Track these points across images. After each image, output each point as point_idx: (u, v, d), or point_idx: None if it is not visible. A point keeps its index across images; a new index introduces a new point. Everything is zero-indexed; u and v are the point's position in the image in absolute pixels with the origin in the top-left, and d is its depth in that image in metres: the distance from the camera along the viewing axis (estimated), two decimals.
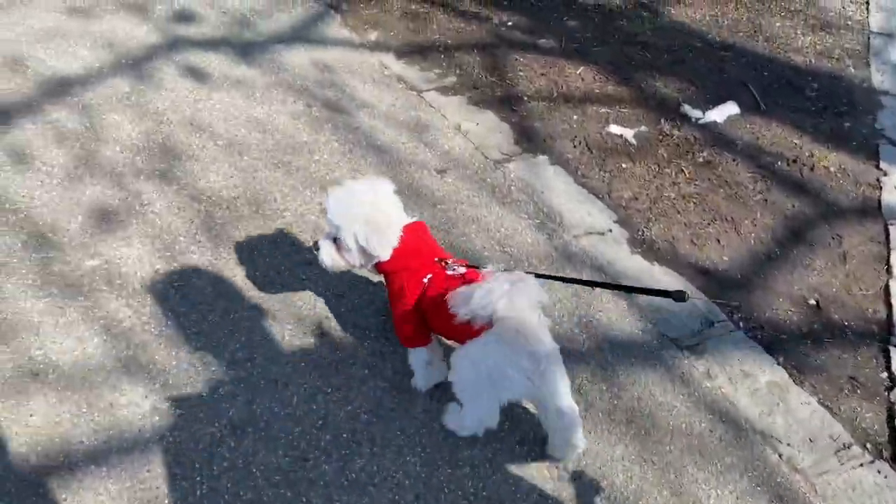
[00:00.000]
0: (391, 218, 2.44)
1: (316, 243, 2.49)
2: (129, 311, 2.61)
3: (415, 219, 2.50)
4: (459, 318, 2.09)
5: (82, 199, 2.96)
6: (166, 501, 2.15)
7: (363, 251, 2.40)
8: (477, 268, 2.42)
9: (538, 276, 2.23)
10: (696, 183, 3.31)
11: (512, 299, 2.03)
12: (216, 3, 4.04)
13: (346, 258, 2.42)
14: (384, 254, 2.38)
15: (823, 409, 2.52)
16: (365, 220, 2.38)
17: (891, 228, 3.15)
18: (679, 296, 2.09)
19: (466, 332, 2.19)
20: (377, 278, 2.73)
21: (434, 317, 2.42)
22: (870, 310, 2.85)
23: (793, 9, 4.38)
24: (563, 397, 2.24)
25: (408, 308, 2.45)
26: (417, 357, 2.58)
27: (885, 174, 3.40)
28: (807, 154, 3.48)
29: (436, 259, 2.47)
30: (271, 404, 2.41)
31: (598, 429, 2.43)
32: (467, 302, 2.06)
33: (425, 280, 2.44)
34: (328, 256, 2.42)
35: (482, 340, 2.15)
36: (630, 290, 2.53)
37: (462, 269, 2.41)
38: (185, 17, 3.91)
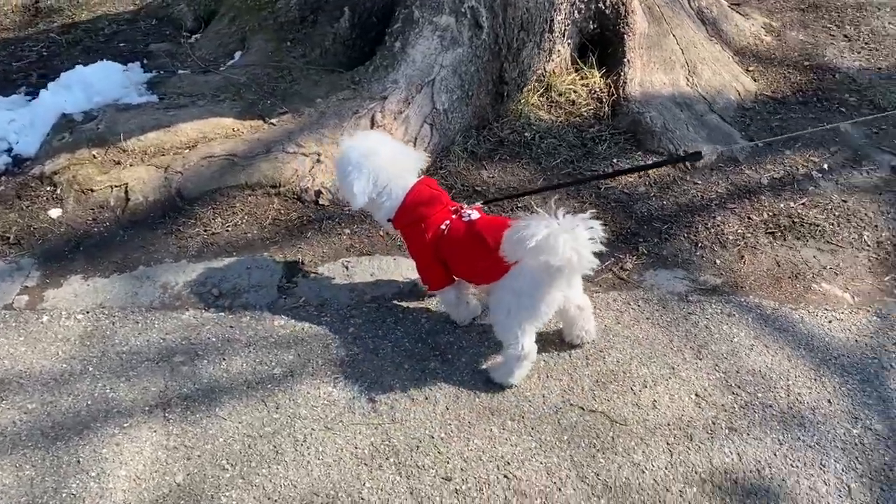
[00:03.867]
0: (405, 167, 2.79)
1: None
2: None
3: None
4: (515, 256, 2.44)
5: None
6: None
7: (375, 196, 2.75)
8: (489, 211, 2.76)
9: (562, 185, 2.57)
10: None
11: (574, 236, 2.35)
12: None
13: (356, 199, 2.72)
14: (395, 199, 2.72)
15: None
16: (382, 164, 2.73)
17: None
18: (695, 157, 2.45)
19: (491, 272, 2.61)
20: None
21: (456, 260, 2.77)
22: None
23: None
24: (581, 295, 2.73)
25: (428, 249, 2.77)
26: (446, 298, 2.96)
27: None
28: None
29: (450, 207, 2.80)
30: None
31: None
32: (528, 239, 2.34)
33: (443, 227, 2.74)
34: (361, 193, 2.70)
35: (519, 271, 2.51)
36: (650, 167, 2.68)
37: (476, 214, 2.79)
38: None
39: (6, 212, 3.49)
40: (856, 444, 2.58)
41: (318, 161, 3.59)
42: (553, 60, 4.30)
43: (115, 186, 3.53)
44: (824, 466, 2.50)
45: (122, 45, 4.77)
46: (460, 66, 3.82)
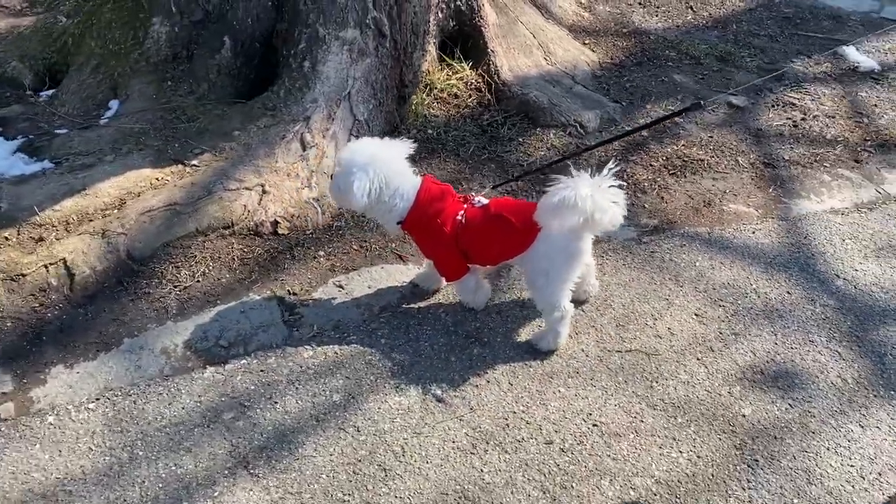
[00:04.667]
0: (406, 166, 2.88)
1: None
2: None
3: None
4: (550, 221, 2.69)
5: None
6: None
7: (387, 199, 2.82)
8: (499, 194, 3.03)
9: (564, 158, 2.87)
10: None
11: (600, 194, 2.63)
12: None
13: (356, 201, 2.77)
14: (408, 200, 2.82)
15: None
16: (389, 167, 2.81)
17: None
18: (696, 107, 2.92)
19: (517, 246, 2.86)
20: None
21: (480, 245, 2.93)
22: None
23: None
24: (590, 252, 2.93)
25: (450, 243, 2.90)
26: (466, 285, 3.11)
27: None
28: None
29: (459, 197, 2.95)
30: None
31: None
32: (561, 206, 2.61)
33: (460, 217, 2.88)
34: (361, 193, 2.74)
35: (547, 236, 2.76)
36: (660, 121, 3.02)
37: (485, 200, 2.96)
38: None
39: None
40: (824, 319, 3.17)
41: (265, 192, 3.50)
42: (427, 60, 4.53)
43: (51, 264, 3.15)
44: (813, 342, 3.06)
45: None
46: (370, 75, 3.92)
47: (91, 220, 3.33)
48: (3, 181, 3.46)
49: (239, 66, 4.10)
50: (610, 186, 2.64)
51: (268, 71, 4.18)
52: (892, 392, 2.84)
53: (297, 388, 2.79)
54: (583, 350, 2.98)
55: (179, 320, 3.06)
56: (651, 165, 4.13)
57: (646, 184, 3.98)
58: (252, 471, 2.49)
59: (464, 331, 3.05)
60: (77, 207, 3.36)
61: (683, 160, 4.18)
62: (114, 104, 4.01)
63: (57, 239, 3.26)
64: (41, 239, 3.26)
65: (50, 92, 4.21)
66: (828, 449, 2.62)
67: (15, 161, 3.58)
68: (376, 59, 3.94)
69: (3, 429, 2.61)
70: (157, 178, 3.53)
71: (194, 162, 3.62)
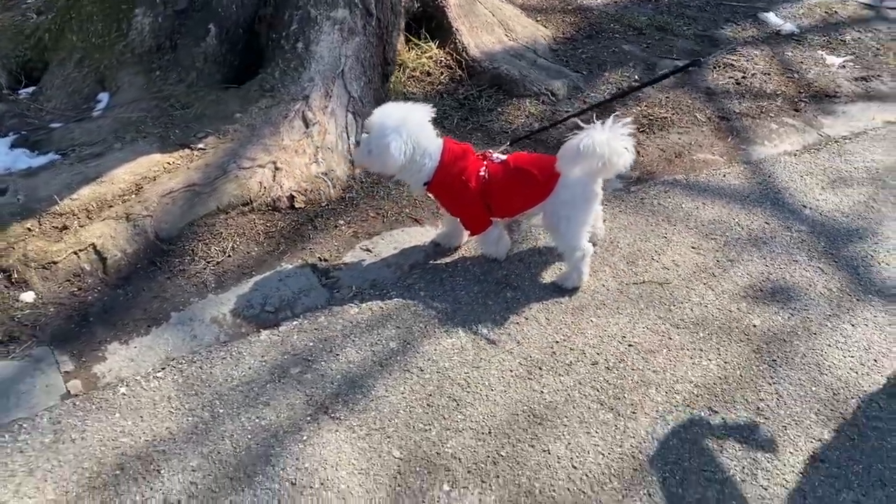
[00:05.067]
0: (431, 129, 3.08)
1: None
2: None
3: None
4: (570, 167, 2.97)
5: None
6: None
7: (418, 158, 3.01)
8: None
9: (572, 116, 3.13)
10: None
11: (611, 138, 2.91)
12: None
13: (392, 161, 2.98)
14: (434, 160, 3.02)
15: None
16: (418, 129, 3.01)
17: None
18: (696, 63, 3.26)
19: (537, 196, 3.11)
20: None
21: (503, 197, 3.15)
22: None
23: None
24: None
25: (475, 198, 3.12)
26: (490, 237, 3.33)
27: None
28: None
29: (478, 154, 3.16)
30: None
31: None
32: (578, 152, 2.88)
33: (482, 173, 3.09)
34: (399, 152, 2.93)
35: (565, 183, 3.05)
36: (661, 78, 3.30)
37: (503, 157, 3.18)
38: None
39: None
40: (801, 242, 3.58)
41: (277, 169, 3.62)
42: (400, 39, 4.72)
43: (80, 250, 3.18)
44: (797, 261, 3.46)
45: None
46: (360, 53, 4.09)
47: (111, 206, 3.37)
48: (12, 175, 3.44)
49: (224, 52, 4.18)
50: (622, 134, 2.94)
51: (251, 57, 4.28)
52: (871, 296, 3.27)
53: (353, 340, 2.95)
54: (603, 285, 3.27)
55: (220, 292, 3.16)
56: (623, 124, 4.47)
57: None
58: (332, 415, 2.65)
59: (493, 278, 3.28)
60: (95, 195, 3.39)
61: (650, 119, 4.55)
62: (103, 96, 4.01)
63: (81, 226, 3.29)
64: (65, 227, 3.28)
65: (30, 89, 4.16)
66: (829, 346, 3.01)
67: (18, 155, 3.55)
68: (364, 38, 4.11)
69: (77, 403, 2.66)
70: (168, 163, 3.59)
71: (200, 145, 3.69)
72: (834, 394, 2.80)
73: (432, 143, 3.03)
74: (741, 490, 2.46)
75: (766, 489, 2.47)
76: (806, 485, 2.48)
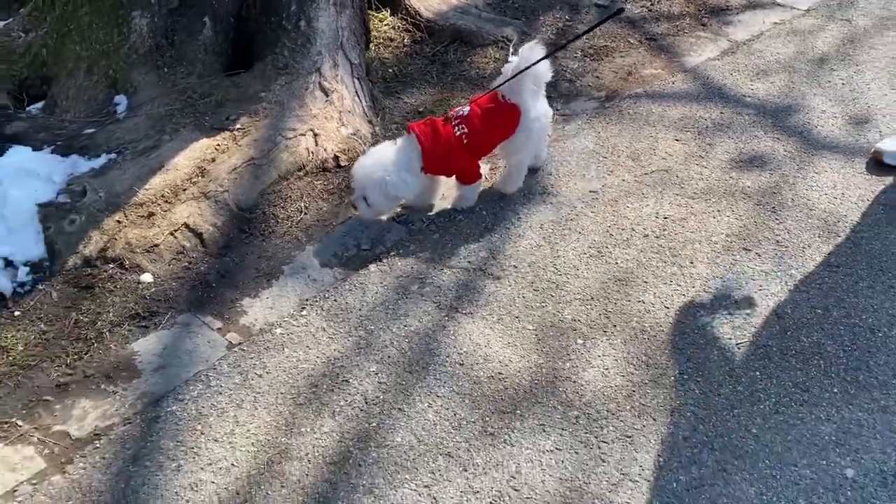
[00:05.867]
0: (390, 159, 3.47)
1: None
2: None
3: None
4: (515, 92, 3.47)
5: None
6: None
7: (389, 199, 3.50)
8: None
9: (544, 58, 3.57)
10: None
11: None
12: None
13: (379, 210, 3.54)
14: (410, 192, 3.51)
15: None
16: (376, 180, 3.44)
17: None
18: (620, 11, 3.98)
19: (508, 130, 3.59)
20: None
21: (482, 142, 3.59)
22: None
23: None
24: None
25: (466, 154, 3.57)
26: (474, 189, 3.78)
27: None
28: None
29: (443, 120, 3.53)
30: None
31: None
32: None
33: (458, 133, 3.48)
34: (366, 211, 3.52)
35: (525, 115, 3.56)
36: (590, 30, 3.83)
37: (467, 108, 3.55)
38: None
39: (102, 304, 3.19)
40: (754, 122, 4.43)
41: (316, 135, 4.01)
42: None
43: (175, 231, 3.47)
44: (757, 136, 4.30)
45: None
46: (351, 24, 4.51)
47: (185, 189, 3.66)
48: (82, 177, 3.63)
49: (220, 42, 4.46)
50: (535, 50, 3.46)
51: (240, 43, 4.58)
52: (822, 150, 4.15)
53: (447, 256, 3.47)
54: (623, 180, 3.95)
55: (314, 244, 3.56)
56: (575, 57, 5.16)
57: (580, 69, 5.01)
58: (464, 312, 3.17)
59: (535, 191, 3.89)
60: (165, 182, 3.65)
61: (594, 49, 5.26)
62: (120, 99, 4.20)
63: (165, 211, 3.56)
64: (151, 214, 3.54)
65: (40, 104, 4.26)
66: (807, 189, 3.85)
67: (75, 161, 3.73)
68: (352, 10, 4.53)
69: (244, 348, 3.02)
70: (217, 145, 3.89)
71: (237, 126, 4.01)
72: (825, 221, 3.63)
73: (406, 151, 3.46)
74: (782, 293, 3.23)
75: (804, 291, 3.25)
76: (830, 282, 3.28)
